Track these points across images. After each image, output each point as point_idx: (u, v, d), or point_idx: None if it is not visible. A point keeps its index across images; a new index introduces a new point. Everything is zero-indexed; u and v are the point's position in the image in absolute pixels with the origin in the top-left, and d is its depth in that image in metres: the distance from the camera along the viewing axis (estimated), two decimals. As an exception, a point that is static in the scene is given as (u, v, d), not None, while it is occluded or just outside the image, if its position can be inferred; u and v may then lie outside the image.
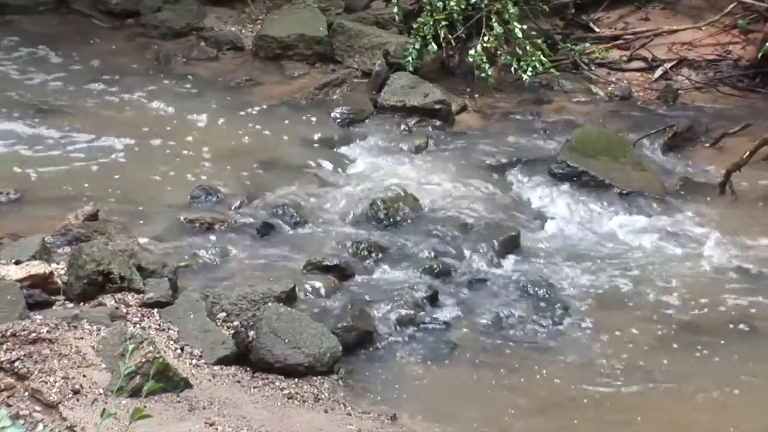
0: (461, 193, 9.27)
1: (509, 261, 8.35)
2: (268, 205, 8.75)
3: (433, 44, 11.05)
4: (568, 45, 11.94)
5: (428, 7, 11.13)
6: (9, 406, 5.61)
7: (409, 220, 8.69)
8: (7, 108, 10.25)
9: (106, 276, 6.97)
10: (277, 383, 6.60)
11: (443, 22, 11.06)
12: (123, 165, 9.39)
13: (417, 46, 11.05)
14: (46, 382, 5.78)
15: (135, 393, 5.73)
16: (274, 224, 8.45)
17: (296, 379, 6.66)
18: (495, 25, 11.02)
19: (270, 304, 7.04)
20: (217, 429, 5.76)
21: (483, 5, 11.09)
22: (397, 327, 7.37)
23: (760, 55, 11.55)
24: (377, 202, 8.71)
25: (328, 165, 9.62)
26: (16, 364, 5.86)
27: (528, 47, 11.09)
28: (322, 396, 6.56)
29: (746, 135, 10.24)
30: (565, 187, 9.45)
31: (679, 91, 11.59)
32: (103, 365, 6.02)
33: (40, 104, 10.40)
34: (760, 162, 9.88)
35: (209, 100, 10.78)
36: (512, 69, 11.07)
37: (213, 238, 8.22)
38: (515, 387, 6.95)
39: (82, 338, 6.25)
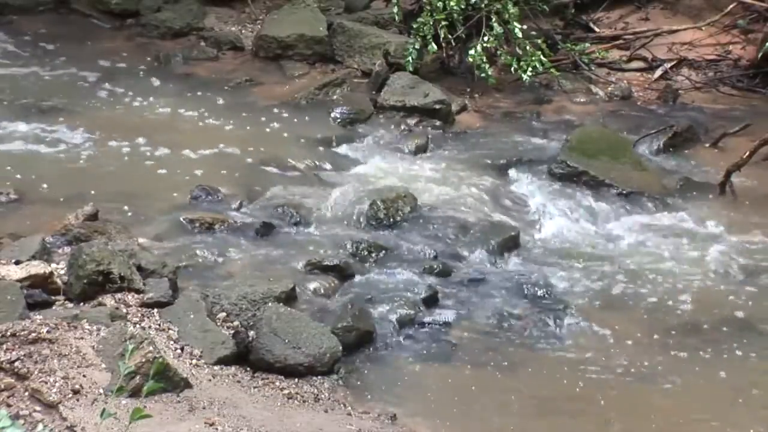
0: (461, 193, 9.27)
1: (509, 261, 8.35)
2: (268, 205, 8.75)
3: (433, 44, 11.05)
4: (568, 45, 11.95)
5: (428, 7, 11.14)
6: (9, 406, 5.61)
7: (409, 220, 8.69)
8: (7, 108, 10.25)
9: (106, 276, 6.96)
10: (277, 383, 6.60)
11: (443, 22, 11.07)
12: (123, 165, 9.39)
13: (417, 46, 11.06)
14: (46, 382, 5.78)
15: (135, 393, 5.73)
16: (274, 224, 8.45)
17: (296, 379, 6.67)
18: (495, 25, 11.03)
19: (270, 304, 7.04)
20: (217, 429, 5.76)
21: (483, 5, 11.10)
22: (397, 327, 7.37)
23: (760, 55, 11.57)
24: (377, 202, 8.70)
25: (328, 165, 9.63)
26: (16, 364, 5.86)
27: (528, 47, 11.10)
28: (322, 396, 6.56)
29: (746, 135, 10.24)
30: (565, 187, 9.45)
31: (679, 91, 11.60)
32: (103, 365, 6.02)
33: (40, 104, 10.39)
34: (760, 162, 9.88)
35: (209, 101, 10.78)
36: (512, 69, 11.08)
37: (213, 238, 8.22)
38: (515, 387, 6.95)
39: (82, 338, 6.25)
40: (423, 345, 7.30)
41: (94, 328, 6.42)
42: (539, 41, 11.31)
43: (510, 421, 6.62)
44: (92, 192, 8.71)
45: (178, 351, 6.58)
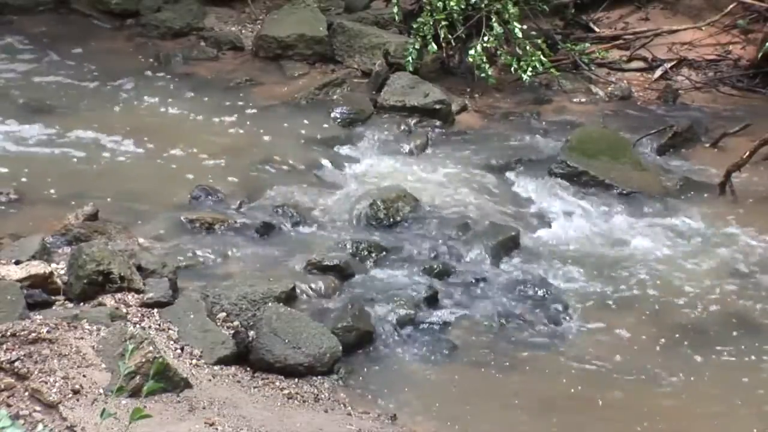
0: (461, 193, 9.27)
1: (509, 261, 8.34)
2: (268, 205, 8.75)
3: (433, 44, 11.05)
4: (568, 45, 11.95)
5: (428, 7, 11.14)
6: (9, 406, 5.61)
7: (409, 220, 8.69)
8: (7, 108, 10.25)
9: (106, 276, 6.96)
10: (277, 383, 6.60)
11: (443, 22, 11.06)
12: (123, 165, 9.39)
13: (417, 46, 11.06)
14: (46, 382, 5.78)
15: (135, 393, 5.74)
16: (274, 224, 8.45)
17: (296, 379, 6.67)
18: (495, 25, 11.02)
19: (270, 304, 7.05)
20: (217, 429, 5.77)
21: (483, 5, 11.10)
22: (397, 327, 7.37)
23: (760, 55, 11.57)
24: (377, 202, 8.70)
25: (328, 165, 9.62)
26: (16, 364, 5.86)
27: (528, 47, 11.10)
28: (322, 396, 6.56)
29: (746, 135, 10.24)
30: (565, 187, 9.45)
31: (679, 91, 11.59)
32: (103, 365, 6.02)
33: (40, 104, 10.39)
34: (760, 162, 9.89)
35: (209, 100, 10.78)
36: (512, 69, 11.08)
37: (213, 238, 8.22)
38: (515, 387, 6.95)
39: (82, 338, 6.25)
40: (423, 345, 7.30)
41: (94, 328, 6.43)
42: (539, 41, 11.31)
43: (510, 421, 6.62)
44: (92, 192, 8.71)
45: (178, 351, 6.58)
